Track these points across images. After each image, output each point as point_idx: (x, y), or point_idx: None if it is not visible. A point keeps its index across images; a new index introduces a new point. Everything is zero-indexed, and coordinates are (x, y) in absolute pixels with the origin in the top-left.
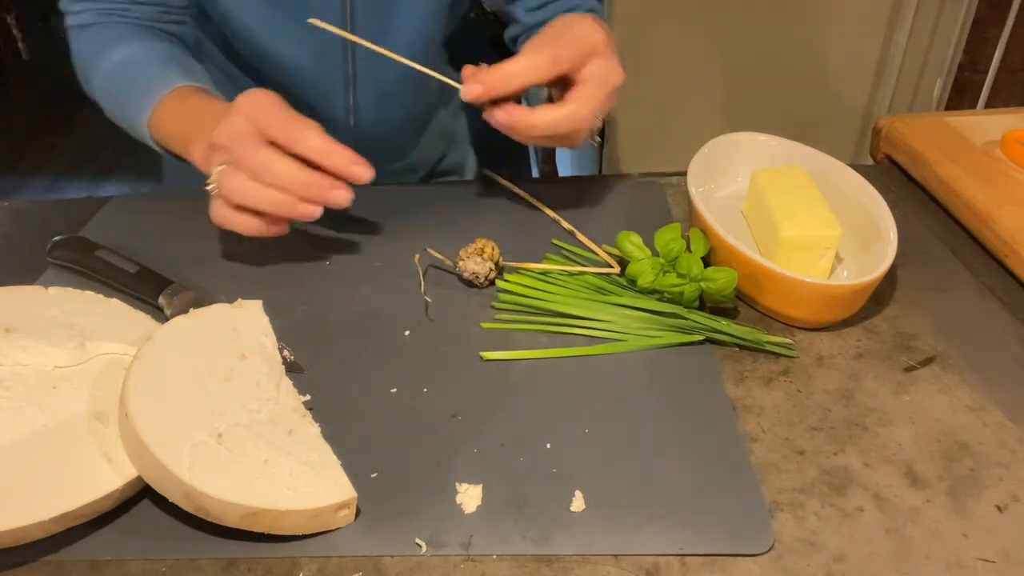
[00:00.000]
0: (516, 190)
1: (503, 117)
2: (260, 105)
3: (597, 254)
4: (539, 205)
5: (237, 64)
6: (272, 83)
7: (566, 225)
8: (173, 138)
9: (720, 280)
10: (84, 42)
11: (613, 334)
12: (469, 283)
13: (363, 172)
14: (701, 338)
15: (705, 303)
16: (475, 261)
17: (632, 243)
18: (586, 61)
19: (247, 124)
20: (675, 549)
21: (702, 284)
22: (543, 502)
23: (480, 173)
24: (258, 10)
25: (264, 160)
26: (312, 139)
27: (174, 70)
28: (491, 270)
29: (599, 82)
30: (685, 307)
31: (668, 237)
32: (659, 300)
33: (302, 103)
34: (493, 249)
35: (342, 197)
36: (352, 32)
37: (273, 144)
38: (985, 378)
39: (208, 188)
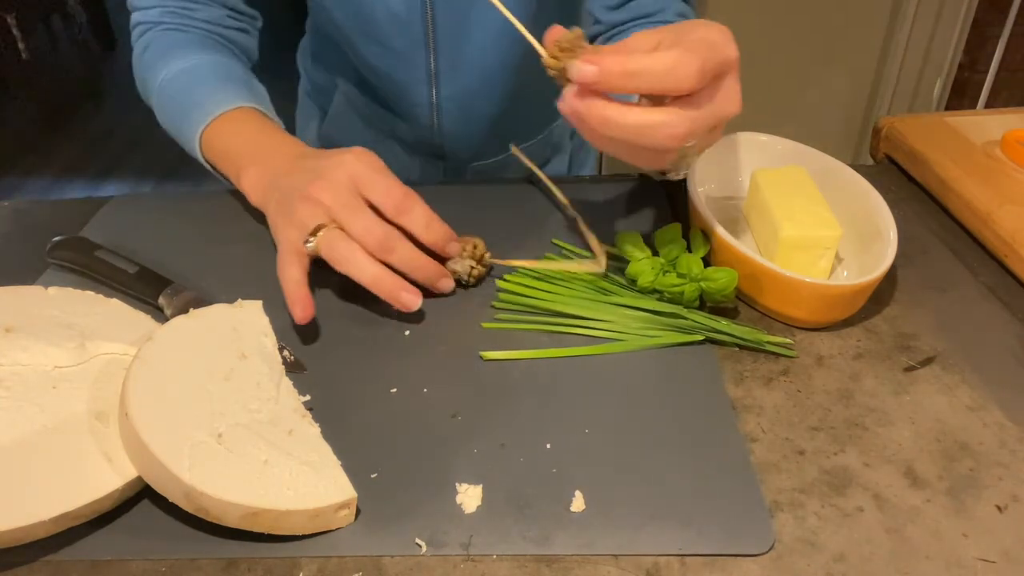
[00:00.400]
0: (539, 173)
1: (575, 103)
2: (367, 165)
3: (592, 249)
4: (554, 188)
5: (323, 61)
6: (357, 78)
7: (571, 213)
8: (223, 159)
9: (720, 280)
10: (145, 47)
11: (613, 334)
12: (458, 282)
13: (445, 284)
14: (701, 338)
15: (705, 303)
16: (456, 260)
17: (632, 243)
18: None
19: (350, 184)
20: (675, 549)
21: (702, 284)
22: (543, 502)
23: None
24: (343, 6)
25: (381, 232)
26: (418, 212)
27: (232, 88)
28: (472, 268)
29: (717, 104)
30: (685, 307)
31: (668, 237)
32: (659, 300)
33: (386, 99)
34: (475, 246)
35: (414, 301)
36: (432, 28)
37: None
38: (985, 378)
39: (307, 247)
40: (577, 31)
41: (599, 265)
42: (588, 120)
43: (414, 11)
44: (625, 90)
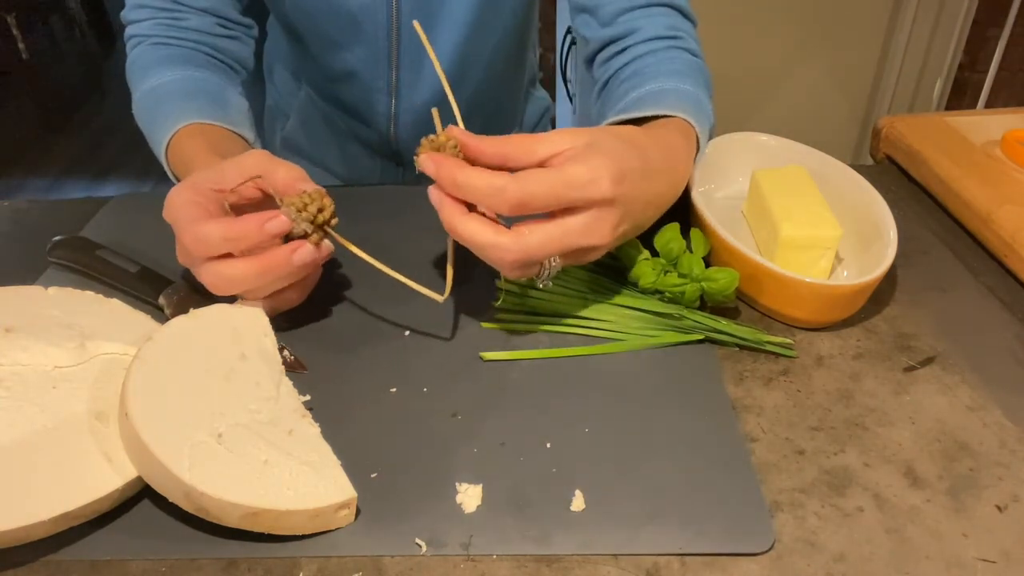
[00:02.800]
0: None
1: (431, 192)
2: (174, 221)
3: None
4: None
5: (287, 64)
6: (318, 83)
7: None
8: (182, 173)
9: (721, 280)
10: (133, 61)
11: (613, 334)
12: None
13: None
14: (701, 337)
15: (706, 303)
16: (301, 215)
17: (631, 244)
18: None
19: (180, 240)
20: (675, 549)
21: (703, 284)
22: (543, 502)
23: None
24: (312, 11)
25: (209, 268)
26: (213, 240)
27: (194, 104)
28: (309, 231)
29: (568, 235)
30: (686, 307)
31: (668, 237)
32: (660, 300)
33: (346, 106)
34: (317, 202)
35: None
36: (396, 31)
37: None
38: (985, 378)
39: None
40: (453, 139)
41: (438, 296)
42: (439, 212)
43: (380, 27)
44: (456, 195)
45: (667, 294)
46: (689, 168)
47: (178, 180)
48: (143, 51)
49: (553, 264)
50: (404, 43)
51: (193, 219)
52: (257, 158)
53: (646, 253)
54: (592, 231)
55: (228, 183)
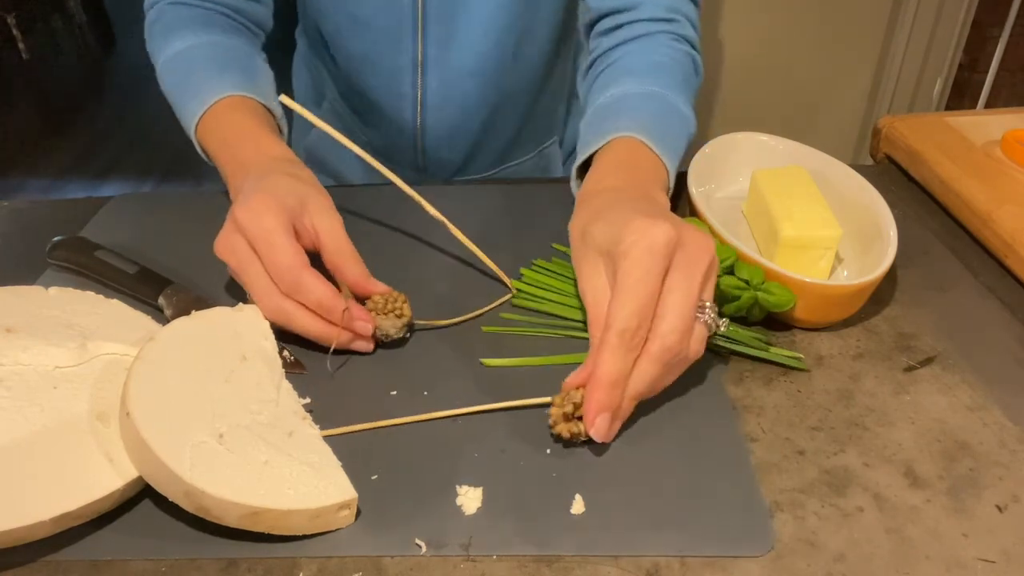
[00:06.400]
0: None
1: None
2: (254, 230)
3: (498, 275)
4: (442, 219)
5: (311, 69)
6: (343, 84)
7: (469, 245)
8: (214, 158)
9: (777, 295)
10: (153, 22)
11: None
12: (380, 342)
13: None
14: None
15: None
16: (388, 320)
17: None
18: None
19: (246, 249)
20: (675, 550)
21: (759, 294)
22: (543, 505)
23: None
24: None
25: (273, 306)
26: (308, 287)
27: (227, 74)
28: (402, 328)
29: (685, 279)
30: (734, 313)
31: (719, 247)
32: None
33: (369, 96)
34: (404, 304)
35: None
36: (422, 17)
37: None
38: (985, 378)
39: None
40: (580, 394)
41: (509, 293)
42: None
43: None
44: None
45: (725, 294)
46: (653, 172)
47: (207, 155)
48: (166, 9)
49: (712, 316)
50: (430, 12)
51: (293, 253)
52: (336, 235)
53: None
54: (690, 266)
55: (302, 229)
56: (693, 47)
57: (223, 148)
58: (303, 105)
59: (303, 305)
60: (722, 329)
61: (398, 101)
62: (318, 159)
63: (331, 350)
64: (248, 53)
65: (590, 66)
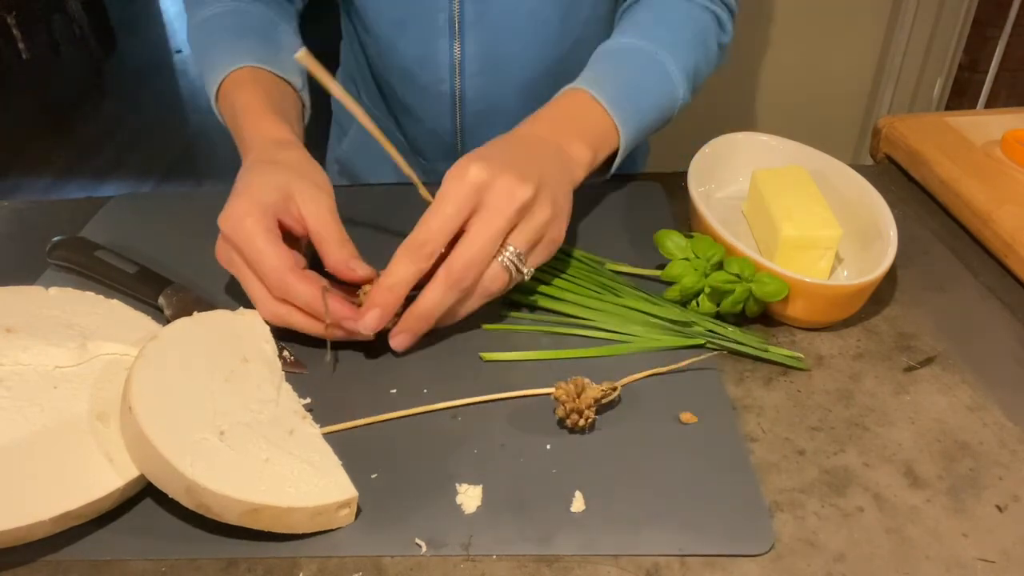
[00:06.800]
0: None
1: (405, 340)
2: (238, 240)
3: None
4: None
5: (347, 69)
6: (379, 79)
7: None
8: (232, 127)
9: (771, 285)
10: None
11: (614, 335)
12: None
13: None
14: (702, 342)
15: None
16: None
17: (673, 242)
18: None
19: (232, 258)
20: (675, 549)
21: (752, 286)
22: (543, 502)
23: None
24: None
25: (270, 310)
26: (298, 292)
27: (244, 43)
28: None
29: (486, 219)
30: (719, 311)
31: (706, 243)
32: (673, 306)
33: (402, 61)
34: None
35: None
36: None
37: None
38: (985, 378)
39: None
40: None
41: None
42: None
43: None
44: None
45: (718, 288)
46: (586, 121)
47: (224, 122)
48: None
49: (514, 260)
50: None
51: (275, 256)
52: (319, 220)
53: (689, 252)
54: (496, 206)
55: (290, 219)
56: (727, 6)
57: (232, 127)
58: (339, 114)
59: (297, 306)
60: (526, 277)
61: (434, 69)
62: (350, 171)
63: (328, 348)
64: (271, 21)
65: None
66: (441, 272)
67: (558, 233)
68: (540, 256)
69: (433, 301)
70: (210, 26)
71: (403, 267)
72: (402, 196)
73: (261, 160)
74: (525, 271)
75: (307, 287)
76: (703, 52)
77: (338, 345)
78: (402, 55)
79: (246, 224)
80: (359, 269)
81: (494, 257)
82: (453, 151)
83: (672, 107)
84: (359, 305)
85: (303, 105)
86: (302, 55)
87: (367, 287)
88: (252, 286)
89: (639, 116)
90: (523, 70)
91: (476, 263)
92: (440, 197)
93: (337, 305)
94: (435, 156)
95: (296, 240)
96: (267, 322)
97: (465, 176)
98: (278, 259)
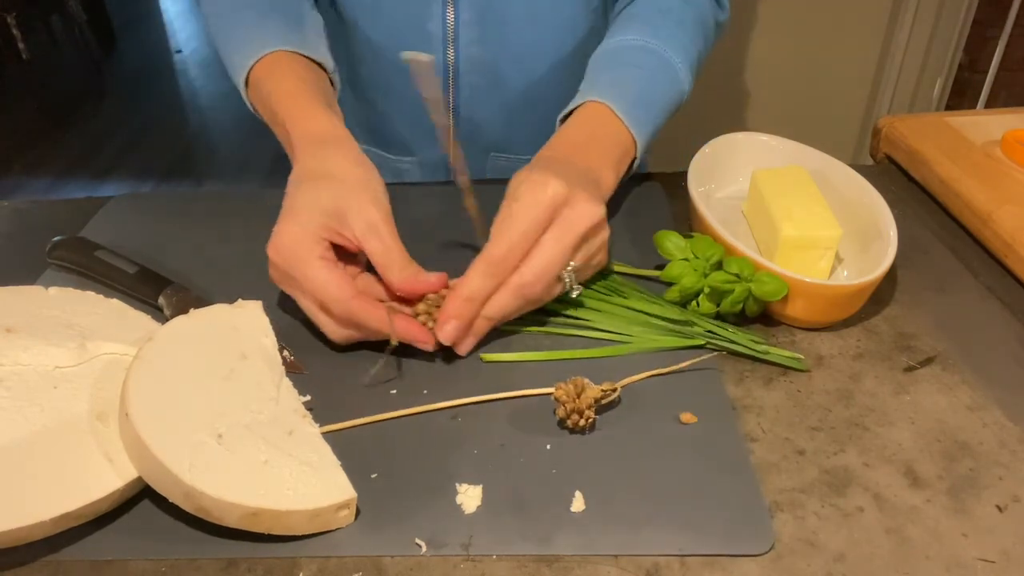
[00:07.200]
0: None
1: (452, 333)
2: (285, 262)
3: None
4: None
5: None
6: (360, 69)
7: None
8: (269, 120)
9: (770, 284)
10: None
11: (613, 335)
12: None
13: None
14: (702, 343)
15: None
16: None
17: (672, 243)
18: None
19: (285, 278)
20: (675, 549)
21: (752, 286)
22: (543, 502)
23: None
24: None
25: (328, 326)
26: (338, 311)
27: (269, 25)
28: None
29: (560, 235)
30: (718, 311)
31: (705, 243)
32: (673, 306)
33: (387, 32)
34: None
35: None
36: None
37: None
38: (985, 378)
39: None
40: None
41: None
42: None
43: None
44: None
45: (717, 288)
46: (609, 141)
47: (256, 111)
48: None
49: (570, 275)
50: None
51: (335, 286)
52: (376, 244)
53: (688, 253)
54: (572, 224)
55: (343, 239)
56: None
57: (269, 119)
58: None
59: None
60: (572, 293)
61: (425, 39)
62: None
63: (381, 365)
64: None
65: (616, 16)
66: (513, 280)
67: (604, 257)
68: (586, 275)
69: (501, 306)
70: (228, 3)
71: (482, 281)
72: (401, 194)
73: (309, 173)
74: (575, 288)
75: (373, 312)
76: (703, 38)
77: (339, 346)
78: (387, 23)
79: (298, 254)
80: (427, 281)
81: None
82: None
83: (679, 102)
84: (417, 315)
85: (335, 88)
86: (412, 56)
87: (432, 296)
88: (315, 314)
89: (653, 123)
90: (523, 41)
91: (546, 275)
92: (520, 212)
93: (404, 325)
94: (420, 144)
95: (352, 254)
96: (339, 343)
97: (545, 191)
98: (339, 289)
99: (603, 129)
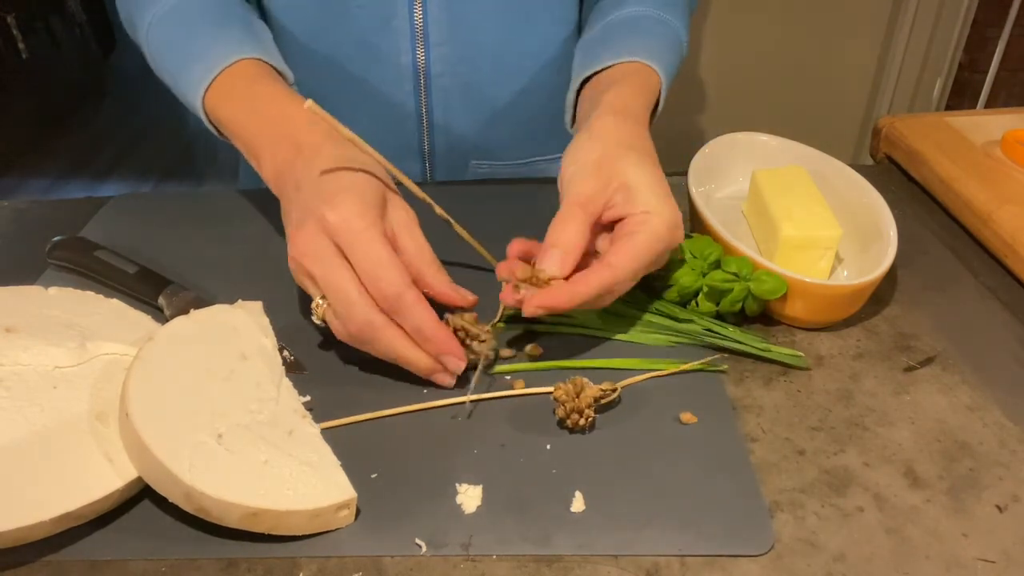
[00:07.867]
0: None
1: (537, 309)
2: (346, 228)
3: (477, 249)
4: (428, 200)
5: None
6: (321, 76)
7: (440, 212)
8: (233, 132)
9: (769, 282)
10: None
11: (611, 334)
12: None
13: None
14: (703, 342)
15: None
16: (483, 343)
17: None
18: (636, 209)
19: (332, 251)
20: (675, 549)
21: (751, 284)
22: (543, 502)
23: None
24: None
25: (362, 318)
26: (409, 311)
27: (232, 34)
28: (493, 349)
29: (648, 243)
30: (718, 311)
31: (704, 243)
32: (675, 305)
33: (354, 31)
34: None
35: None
36: None
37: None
38: (985, 378)
39: (315, 320)
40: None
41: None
42: (559, 306)
43: None
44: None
45: (714, 288)
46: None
47: (219, 131)
48: None
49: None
50: None
51: (398, 269)
52: (419, 244)
53: (685, 254)
54: (670, 245)
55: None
56: None
57: (263, 121)
58: None
59: (394, 323)
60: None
61: (393, 38)
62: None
63: (471, 390)
64: (242, 6)
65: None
66: (608, 275)
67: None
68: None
69: (587, 292)
70: (177, 16)
71: (596, 295)
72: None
73: (342, 158)
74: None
75: (427, 310)
76: (692, 6)
77: (340, 345)
78: (354, 21)
79: (361, 223)
80: (464, 295)
81: None
82: (417, 140)
83: (680, 66)
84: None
85: None
86: (312, 106)
87: (459, 320)
88: (347, 288)
89: (669, 86)
90: (494, 41)
91: (632, 282)
92: (644, 246)
93: (446, 336)
94: (394, 151)
95: None
96: (347, 333)
97: (664, 224)
98: (401, 272)
99: (651, 95)
